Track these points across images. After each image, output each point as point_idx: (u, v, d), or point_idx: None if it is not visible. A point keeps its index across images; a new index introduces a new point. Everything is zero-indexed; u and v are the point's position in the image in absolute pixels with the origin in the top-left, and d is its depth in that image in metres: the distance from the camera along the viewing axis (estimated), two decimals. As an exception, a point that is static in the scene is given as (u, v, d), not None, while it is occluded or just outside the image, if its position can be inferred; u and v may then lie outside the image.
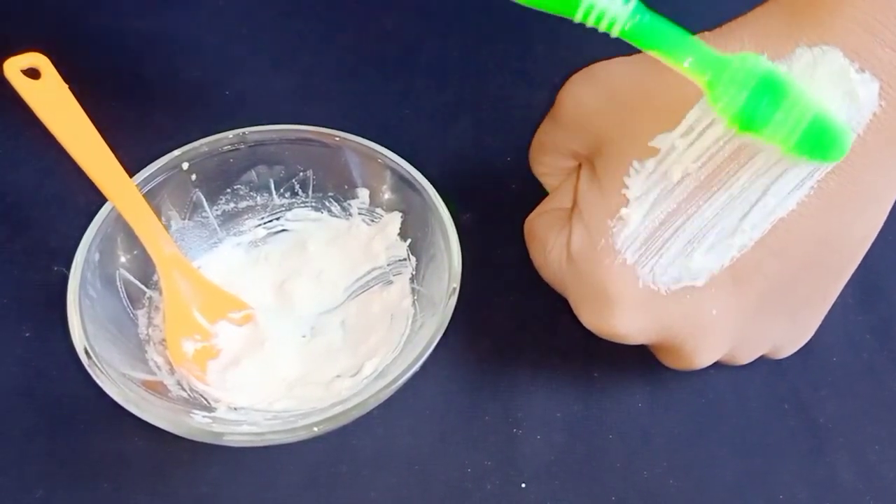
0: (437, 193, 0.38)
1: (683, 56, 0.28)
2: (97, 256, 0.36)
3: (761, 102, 0.28)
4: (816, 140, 0.28)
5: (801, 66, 0.29)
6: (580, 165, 0.36)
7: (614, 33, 0.28)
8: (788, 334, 0.36)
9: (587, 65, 0.35)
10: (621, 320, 0.32)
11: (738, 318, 0.33)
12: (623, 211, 0.32)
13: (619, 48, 0.35)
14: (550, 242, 0.35)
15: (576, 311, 0.34)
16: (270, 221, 0.42)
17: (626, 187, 0.32)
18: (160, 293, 0.38)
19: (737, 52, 0.30)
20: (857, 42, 0.29)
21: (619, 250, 0.32)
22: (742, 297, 0.32)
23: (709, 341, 0.33)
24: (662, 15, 0.28)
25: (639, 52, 0.31)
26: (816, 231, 0.31)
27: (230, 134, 0.40)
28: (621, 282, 0.32)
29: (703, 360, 0.34)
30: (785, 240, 0.31)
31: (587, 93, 0.34)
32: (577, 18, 0.28)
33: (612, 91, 0.33)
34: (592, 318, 0.33)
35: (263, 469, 0.36)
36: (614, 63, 0.34)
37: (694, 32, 0.32)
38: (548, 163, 0.38)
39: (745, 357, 0.36)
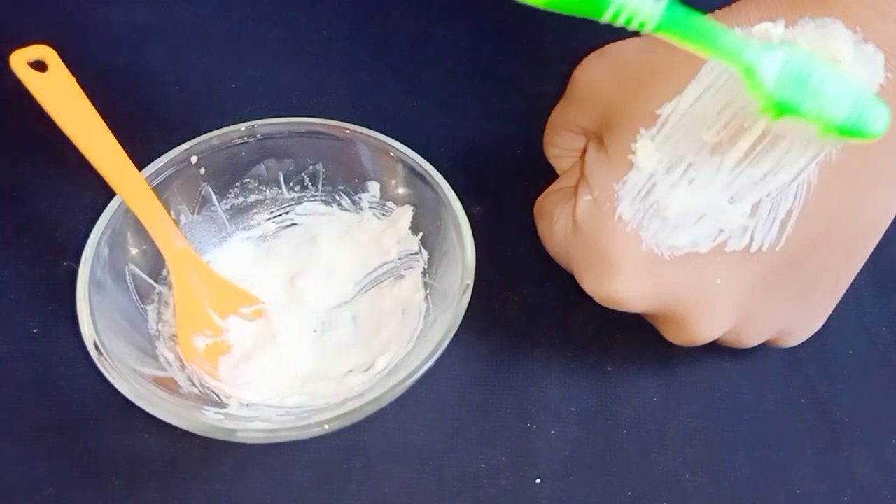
0: (450, 188, 0.38)
1: (717, 46, 0.27)
2: (107, 251, 0.35)
3: (796, 84, 0.27)
4: (857, 117, 0.27)
5: (805, 37, 0.29)
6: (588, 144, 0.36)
7: (646, 30, 0.27)
8: (798, 318, 0.35)
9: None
10: (623, 284, 0.32)
11: (744, 291, 0.33)
12: (629, 174, 0.32)
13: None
14: (556, 215, 0.35)
15: (578, 279, 0.34)
16: (280, 215, 0.42)
17: (633, 152, 0.32)
18: (170, 288, 0.38)
19: (743, 28, 0.30)
20: (860, 16, 0.29)
21: (622, 213, 0.32)
22: (749, 268, 0.32)
23: (712, 312, 0.33)
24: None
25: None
26: (826, 207, 0.31)
27: (241, 127, 0.39)
28: (624, 244, 0.32)
29: (706, 332, 0.34)
30: None
31: (599, 69, 0.35)
32: (605, 20, 0.27)
33: (622, 66, 0.34)
34: (594, 283, 0.33)
35: (276, 465, 0.36)
36: (626, 42, 0.34)
37: (708, 11, 0.32)
38: (560, 143, 0.38)
39: (752, 338, 0.35)
